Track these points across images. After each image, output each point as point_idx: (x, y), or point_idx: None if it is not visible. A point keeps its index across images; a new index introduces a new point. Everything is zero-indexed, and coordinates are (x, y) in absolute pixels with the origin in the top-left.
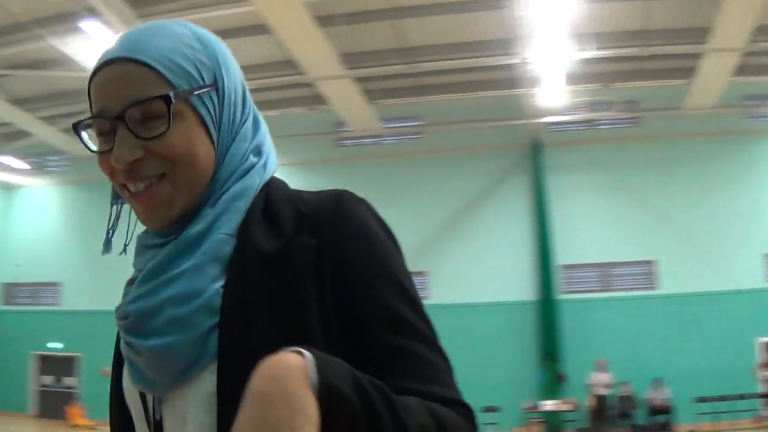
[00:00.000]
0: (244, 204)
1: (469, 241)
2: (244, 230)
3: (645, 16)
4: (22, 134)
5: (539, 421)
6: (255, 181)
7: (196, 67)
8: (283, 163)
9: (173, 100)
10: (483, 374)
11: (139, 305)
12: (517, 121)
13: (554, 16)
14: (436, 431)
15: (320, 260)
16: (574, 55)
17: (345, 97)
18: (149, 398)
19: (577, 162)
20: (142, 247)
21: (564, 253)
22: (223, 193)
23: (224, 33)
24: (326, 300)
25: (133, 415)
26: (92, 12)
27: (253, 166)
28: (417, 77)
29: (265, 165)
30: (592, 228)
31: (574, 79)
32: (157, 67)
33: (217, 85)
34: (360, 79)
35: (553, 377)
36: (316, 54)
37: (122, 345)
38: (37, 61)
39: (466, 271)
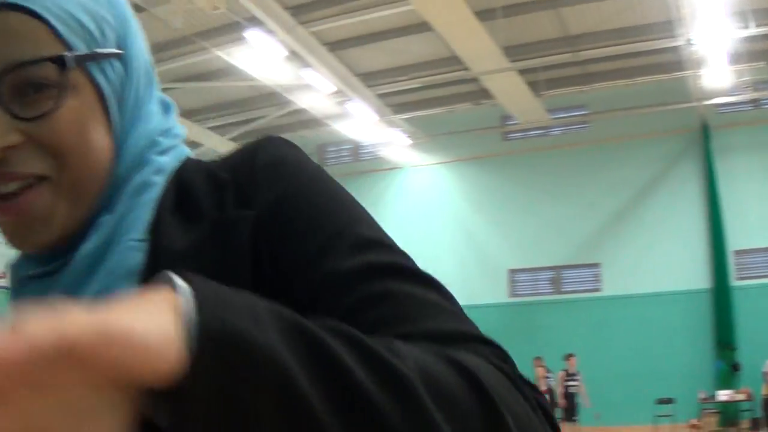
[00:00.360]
0: (152, 196)
1: (641, 230)
2: (155, 230)
3: None
4: (193, 145)
5: (714, 412)
6: (164, 165)
7: (99, 26)
8: (452, 160)
9: (70, 66)
10: (658, 365)
11: None
12: (684, 105)
13: None
14: (450, 374)
15: (255, 230)
16: (736, 33)
17: (510, 90)
18: None
19: (745, 143)
20: (22, 282)
21: (736, 238)
22: (124, 190)
23: (388, 33)
24: (266, 280)
25: None
26: (254, 21)
27: (161, 147)
28: (581, 65)
29: (175, 148)
30: (763, 211)
31: (737, 58)
32: (49, 18)
33: (122, 52)
34: (524, 71)
35: (728, 366)
36: (478, 48)
37: None
38: (203, 73)
39: (638, 260)
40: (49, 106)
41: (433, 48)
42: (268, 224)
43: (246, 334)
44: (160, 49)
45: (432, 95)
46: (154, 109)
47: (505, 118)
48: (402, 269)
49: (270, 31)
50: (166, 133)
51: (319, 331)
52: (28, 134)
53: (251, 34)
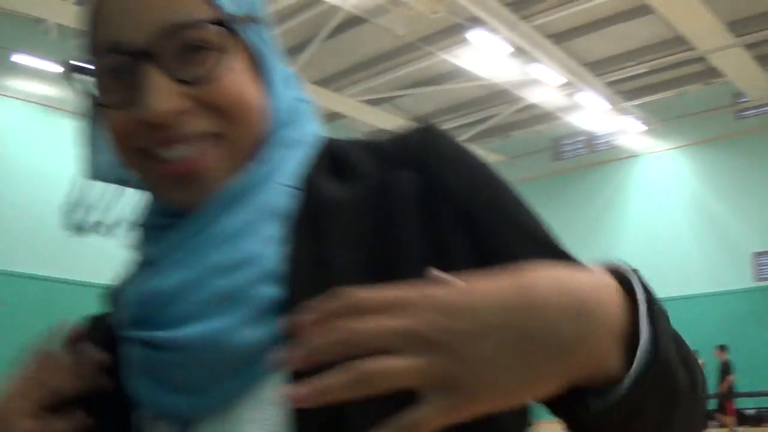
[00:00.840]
0: (302, 152)
1: None
2: (308, 183)
3: None
4: None
5: None
6: (312, 127)
7: None
8: (686, 144)
9: (230, 28)
10: None
11: (164, 282)
12: None
13: None
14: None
15: (426, 195)
16: None
17: (738, 66)
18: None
19: None
20: (153, 230)
21: None
22: (276, 144)
23: (610, 20)
24: (442, 240)
25: None
26: (476, 21)
27: (305, 113)
28: None
29: (314, 114)
30: None
31: None
32: None
33: (257, 14)
34: (750, 46)
35: None
36: (702, 26)
37: (128, 351)
38: (431, 77)
39: None
40: (212, 68)
41: (657, 30)
42: (464, 205)
43: (670, 361)
44: (387, 58)
45: (660, 79)
46: (288, 71)
47: (736, 96)
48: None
49: (492, 29)
50: (303, 99)
51: (678, 340)
52: (193, 97)
53: (473, 34)
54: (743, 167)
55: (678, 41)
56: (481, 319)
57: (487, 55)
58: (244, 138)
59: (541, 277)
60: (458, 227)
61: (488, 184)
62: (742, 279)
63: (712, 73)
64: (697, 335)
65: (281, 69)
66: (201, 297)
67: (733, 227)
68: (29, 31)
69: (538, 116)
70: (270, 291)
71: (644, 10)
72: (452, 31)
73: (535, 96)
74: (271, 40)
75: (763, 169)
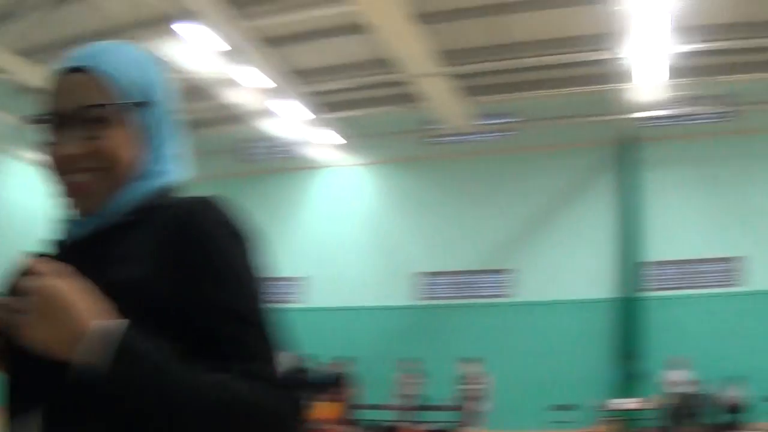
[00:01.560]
0: (124, 203)
1: (555, 239)
2: (138, 211)
3: (741, 8)
4: None
5: (614, 419)
6: (147, 186)
7: (135, 83)
8: (374, 161)
9: (109, 109)
10: (561, 372)
11: None
12: (609, 117)
13: (650, 10)
14: (231, 402)
15: (171, 240)
16: (670, 49)
17: (440, 94)
18: None
19: (672, 157)
20: (65, 229)
21: (655, 250)
22: (125, 191)
23: (318, 33)
24: (159, 271)
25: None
26: (190, 14)
27: (152, 173)
28: (513, 74)
29: (161, 173)
30: (683, 223)
31: (670, 73)
32: (105, 78)
33: (149, 101)
34: (457, 76)
35: (630, 375)
36: (412, 51)
37: None
38: None
39: (551, 268)
40: (100, 132)
41: (367, 49)
42: (179, 258)
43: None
44: (93, 37)
45: (361, 96)
46: (164, 140)
47: (430, 122)
48: (246, 319)
49: (211, 24)
50: (159, 158)
51: (164, 362)
52: (86, 147)
53: (181, 27)
54: (423, 190)
55: (385, 63)
56: (55, 310)
57: (192, 50)
58: (114, 177)
59: (93, 314)
60: (175, 273)
61: (211, 260)
62: (406, 297)
63: (411, 98)
64: (357, 346)
65: (156, 134)
66: None
67: (402, 247)
68: None
69: (234, 116)
70: None
71: (359, 29)
72: (164, 21)
73: (233, 96)
74: (161, 117)
75: (441, 193)
